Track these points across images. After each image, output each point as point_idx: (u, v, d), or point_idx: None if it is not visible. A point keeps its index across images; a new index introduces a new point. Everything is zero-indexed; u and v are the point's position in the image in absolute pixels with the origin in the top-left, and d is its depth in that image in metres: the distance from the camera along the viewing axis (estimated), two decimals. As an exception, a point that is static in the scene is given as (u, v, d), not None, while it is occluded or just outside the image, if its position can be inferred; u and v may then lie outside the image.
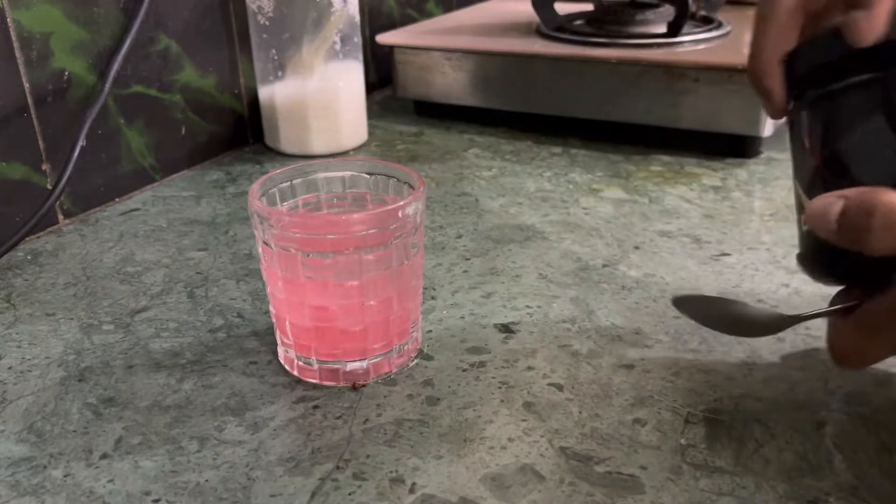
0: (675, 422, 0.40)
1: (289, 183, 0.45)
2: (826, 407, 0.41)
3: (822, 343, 0.46)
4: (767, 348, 0.46)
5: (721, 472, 0.37)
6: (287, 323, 0.43)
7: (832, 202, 0.33)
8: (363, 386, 0.43)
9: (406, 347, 0.45)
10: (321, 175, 0.46)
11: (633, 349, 0.46)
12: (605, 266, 0.56)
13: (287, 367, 0.45)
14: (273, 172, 0.45)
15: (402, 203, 0.41)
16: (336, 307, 0.42)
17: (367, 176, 0.46)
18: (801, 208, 0.39)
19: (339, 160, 0.51)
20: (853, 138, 0.35)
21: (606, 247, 0.59)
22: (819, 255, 0.39)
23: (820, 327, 0.47)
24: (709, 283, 0.53)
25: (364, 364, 0.43)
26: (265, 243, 0.42)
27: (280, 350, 0.46)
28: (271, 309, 0.45)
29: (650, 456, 0.38)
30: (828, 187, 0.35)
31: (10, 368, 0.46)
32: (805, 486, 0.36)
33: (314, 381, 0.44)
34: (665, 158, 0.75)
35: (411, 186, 0.44)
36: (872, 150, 0.35)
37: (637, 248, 0.58)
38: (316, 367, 0.43)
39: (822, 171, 0.37)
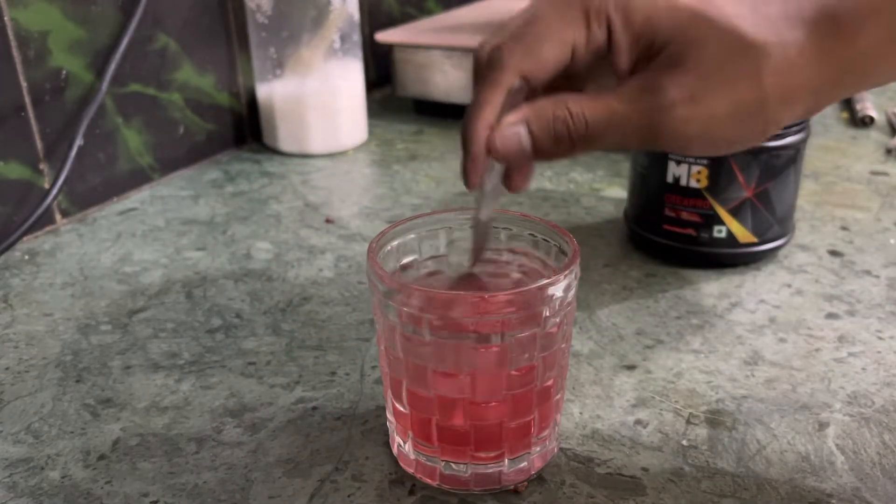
0: (677, 423, 0.40)
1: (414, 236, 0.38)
2: (828, 408, 0.41)
3: (824, 344, 0.46)
4: (770, 349, 0.45)
5: (723, 473, 0.36)
6: (404, 389, 0.35)
7: (515, 130, 0.32)
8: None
9: None
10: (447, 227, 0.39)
11: (634, 350, 0.46)
12: (605, 266, 0.55)
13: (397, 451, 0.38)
14: (393, 226, 0.38)
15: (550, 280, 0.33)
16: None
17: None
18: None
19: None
20: None
21: (608, 247, 0.58)
22: None
23: (822, 327, 0.47)
24: (711, 282, 0.53)
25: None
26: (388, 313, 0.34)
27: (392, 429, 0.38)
28: (383, 369, 0.37)
29: (651, 457, 0.38)
30: None
31: (7, 369, 0.46)
32: (807, 488, 0.35)
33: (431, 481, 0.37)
34: (665, 157, 0.75)
35: (563, 252, 0.36)
36: None
37: (638, 248, 0.58)
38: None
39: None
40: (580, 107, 0.31)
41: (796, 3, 0.30)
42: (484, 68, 0.33)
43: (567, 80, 0.33)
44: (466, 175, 0.34)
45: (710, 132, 0.30)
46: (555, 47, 0.31)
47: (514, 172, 0.35)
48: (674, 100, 0.30)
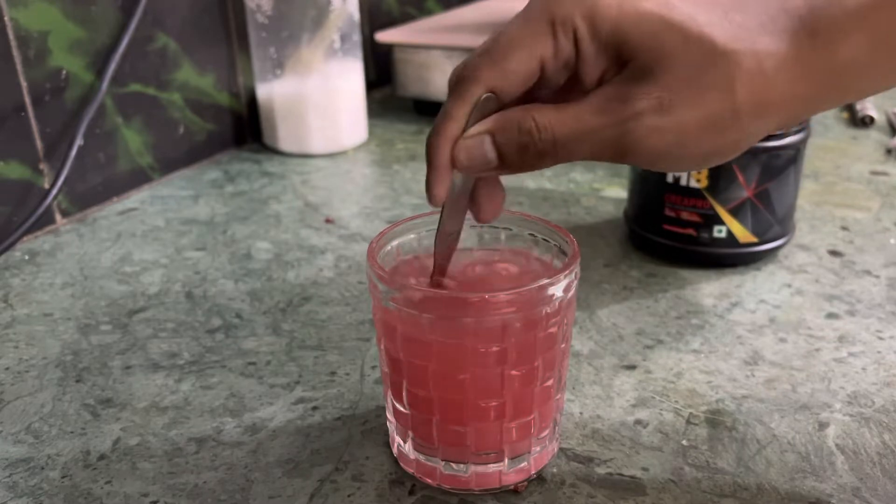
0: (677, 423, 0.40)
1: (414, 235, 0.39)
2: (828, 408, 0.41)
3: (824, 344, 0.46)
4: (770, 349, 0.45)
5: (723, 473, 0.36)
6: (404, 388, 0.35)
7: (479, 141, 0.31)
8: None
9: None
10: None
11: (634, 350, 0.46)
12: (605, 266, 0.55)
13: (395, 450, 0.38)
14: (395, 225, 0.39)
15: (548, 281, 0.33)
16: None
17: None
18: None
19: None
20: None
21: (608, 246, 0.58)
22: None
23: (822, 327, 0.47)
24: (711, 282, 0.53)
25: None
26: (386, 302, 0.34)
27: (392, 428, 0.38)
28: (383, 369, 0.37)
29: (652, 457, 0.38)
30: None
31: (7, 369, 0.46)
32: (807, 488, 0.35)
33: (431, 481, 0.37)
34: (665, 157, 0.75)
35: (563, 252, 0.36)
36: None
37: (638, 248, 0.58)
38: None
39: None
40: (546, 118, 0.30)
41: (772, 12, 0.29)
42: (452, 84, 0.32)
43: (543, 94, 0.32)
44: (430, 188, 0.33)
45: (680, 145, 0.29)
46: (522, 59, 0.30)
47: (483, 199, 0.34)
48: (642, 110, 0.29)
